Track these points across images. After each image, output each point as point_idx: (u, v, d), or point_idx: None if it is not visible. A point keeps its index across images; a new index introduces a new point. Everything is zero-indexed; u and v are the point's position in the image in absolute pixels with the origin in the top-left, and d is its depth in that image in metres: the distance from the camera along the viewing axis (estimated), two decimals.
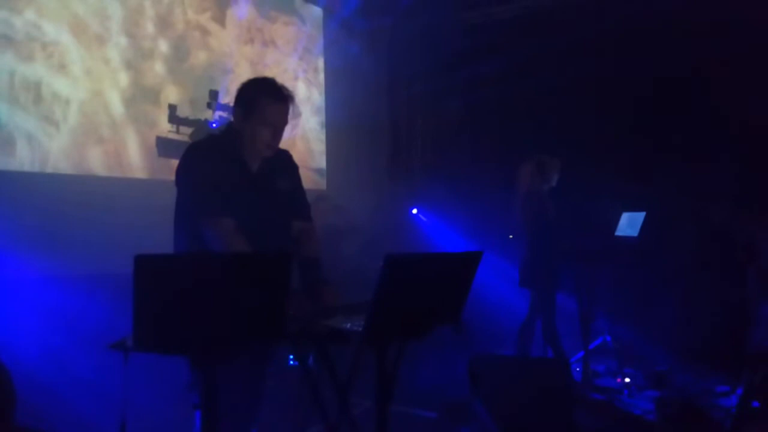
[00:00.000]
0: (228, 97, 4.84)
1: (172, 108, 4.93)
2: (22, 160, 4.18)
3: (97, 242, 4.06)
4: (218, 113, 4.93)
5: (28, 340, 3.47)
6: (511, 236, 5.19)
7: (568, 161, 4.87)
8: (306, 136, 6.50)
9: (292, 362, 3.65)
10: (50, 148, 4.34)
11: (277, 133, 2.44)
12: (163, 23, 5.13)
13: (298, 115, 6.29)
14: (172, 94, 5.08)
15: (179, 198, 2.41)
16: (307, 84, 6.57)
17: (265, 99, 2.39)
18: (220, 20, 5.62)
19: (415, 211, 7.01)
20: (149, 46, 5.02)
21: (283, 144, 2.64)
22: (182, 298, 1.54)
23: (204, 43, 5.47)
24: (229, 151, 2.42)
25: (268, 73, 2.55)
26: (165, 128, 4.94)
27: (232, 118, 2.53)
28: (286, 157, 2.62)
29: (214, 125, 4.84)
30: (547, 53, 5.91)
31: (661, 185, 5.22)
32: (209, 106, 4.96)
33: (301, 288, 2.42)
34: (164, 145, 4.89)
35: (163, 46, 5.12)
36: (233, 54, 5.72)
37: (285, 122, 2.45)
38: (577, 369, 4.55)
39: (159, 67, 5.09)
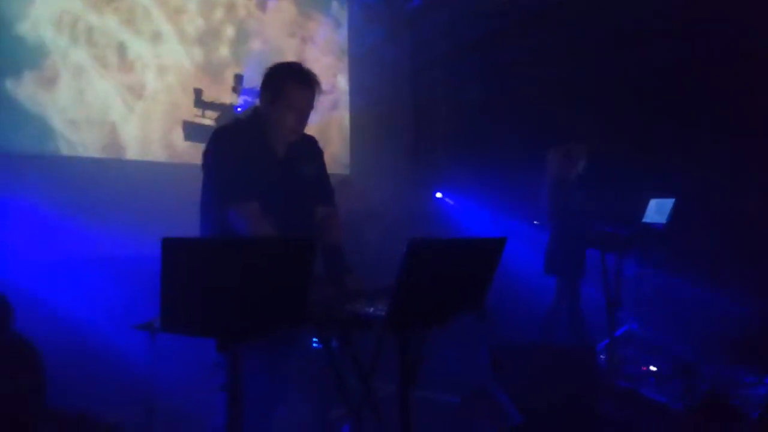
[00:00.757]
0: None
1: (198, 92, 4.97)
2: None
3: (125, 225, 4.12)
4: (243, 97, 4.96)
5: (58, 322, 3.54)
6: (536, 222, 5.15)
7: (595, 147, 4.80)
8: (342, 132, 6.55)
9: (315, 345, 3.68)
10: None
11: (303, 117, 2.45)
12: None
13: (333, 108, 6.33)
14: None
15: (205, 182, 2.43)
16: (346, 81, 6.60)
17: (291, 83, 2.40)
18: (262, 8, 5.72)
19: (439, 195, 6.98)
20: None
21: (320, 137, 2.65)
22: (208, 280, 1.56)
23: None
24: (255, 135, 2.44)
25: (309, 67, 2.54)
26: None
27: (257, 102, 2.54)
28: (311, 142, 2.62)
29: (239, 110, 4.87)
30: (573, 38, 5.80)
31: (690, 171, 5.11)
32: (234, 90, 4.99)
33: (324, 273, 2.43)
34: (190, 130, 4.93)
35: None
36: (281, 46, 5.83)
37: (311, 107, 2.46)
38: (602, 357, 4.51)
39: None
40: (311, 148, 2.62)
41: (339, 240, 2.54)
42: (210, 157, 2.41)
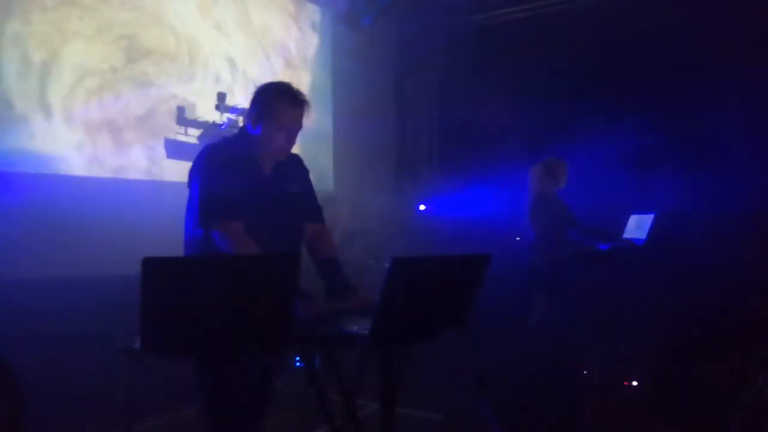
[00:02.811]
0: None
1: (181, 110, 4.95)
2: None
3: (106, 244, 4.07)
4: (226, 115, 4.95)
5: (38, 343, 3.48)
6: (518, 238, 5.18)
7: (576, 163, 4.86)
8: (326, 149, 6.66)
9: (298, 364, 3.65)
10: None
11: (292, 136, 2.47)
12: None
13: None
14: None
15: (191, 200, 2.42)
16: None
17: (281, 102, 2.42)
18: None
19: (422, 207, 6.99)
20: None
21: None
22: (189, 300, 1.55)
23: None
24: (243, 153, 2.45)
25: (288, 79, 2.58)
26: None
27: (240, 122, 2.55)
28: (297, 160, 2.65)
29: (222, 127, 4.86)
30: (554, 54, 5.90)
31: (670, 187, 5.19)
32: (217, 108, 4.97)
33: (325, 289, 2.43)
34: (172, 147, 4.91)
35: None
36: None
37: (299, 126, 2.48)
38: (585, 372, 4.52)
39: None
40: (297, 167, 2.64)
41: (334, 255, 2.55)
42: (196, 174, 2.40)
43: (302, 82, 6.27)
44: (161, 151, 4.90)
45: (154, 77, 4.85)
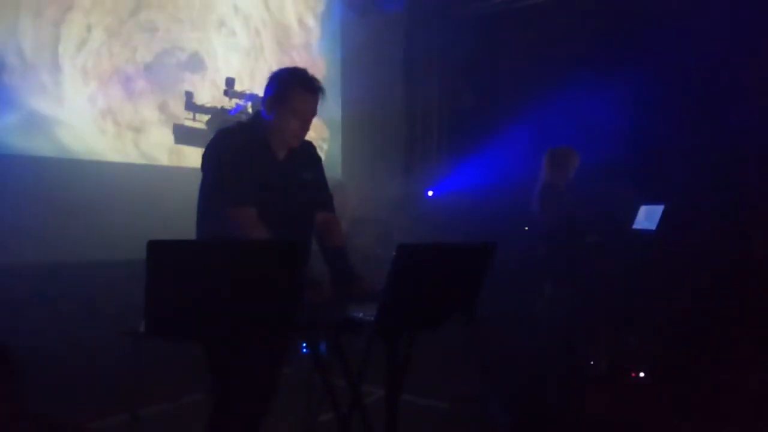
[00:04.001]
0: None
1: (189, 95, 4.95)
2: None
3: (119, 229, 4.09)
4: (234, 100, 4.94)
5: (42, 326, 3.50)
6: (526, 228, 5.16)
7: (586, 152, 4.82)
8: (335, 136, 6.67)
9: (304, 350, 3.66)
10: None
11: (306, 123, 2.46)
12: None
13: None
14: None
15: (204, 184, 2.42)
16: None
17: (296, 89, 2.41)
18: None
19: (431, 193, 6.97)
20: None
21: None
22: (194, 284, 1.54)
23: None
24: (257, 139, 2.44)
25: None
26: None
27: (249, 108, 2.54)
28: (310, 147, 2.64)
29: (231, 113, 4.85)
30: (563, 41, 5.85)
31: (680, 177, 5.14)
32: (226, 93, 4.96)
33: (331, 278, 2.43)
34: (181, 133, 4.91)
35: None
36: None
37: (314, 113, 2.47)
38: (591, 363, 4.51)
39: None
40: (310, 154, 2.63)
41: (343, 244, 2.54)
42: (210, 159, 2.40)
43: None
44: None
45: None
